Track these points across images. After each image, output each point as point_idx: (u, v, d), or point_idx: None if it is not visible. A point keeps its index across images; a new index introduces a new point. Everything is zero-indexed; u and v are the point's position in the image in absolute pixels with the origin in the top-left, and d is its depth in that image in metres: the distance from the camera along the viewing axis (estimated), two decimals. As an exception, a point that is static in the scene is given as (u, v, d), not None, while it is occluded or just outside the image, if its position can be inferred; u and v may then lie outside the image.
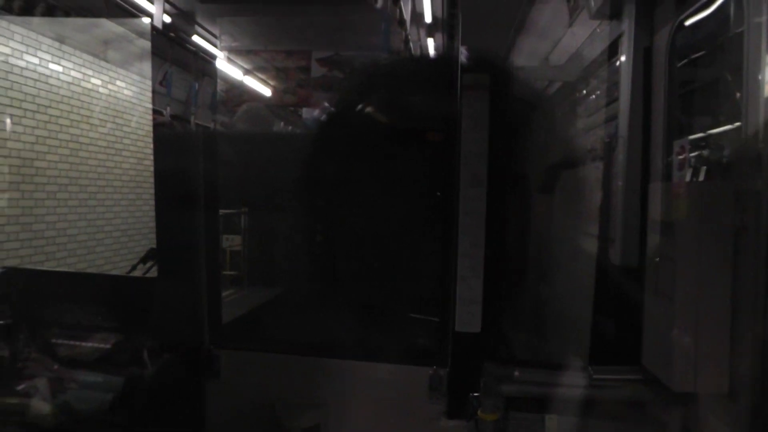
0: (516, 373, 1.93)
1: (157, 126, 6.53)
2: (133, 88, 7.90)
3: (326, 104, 3.67)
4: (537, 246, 2.33)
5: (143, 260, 2.88)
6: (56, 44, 6.61)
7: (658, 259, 1.78)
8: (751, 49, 1.67)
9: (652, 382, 1.81)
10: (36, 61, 6.35)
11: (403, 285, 2.44)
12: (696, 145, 1.88)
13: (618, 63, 2.61)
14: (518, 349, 2.25)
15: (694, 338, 1.64)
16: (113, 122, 7.62)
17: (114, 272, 7.04)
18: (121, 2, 5.05)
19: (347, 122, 2.49)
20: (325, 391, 2.33)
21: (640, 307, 1.91)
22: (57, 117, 6.74)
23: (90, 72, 7.22)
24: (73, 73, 6.96)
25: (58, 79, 6.73)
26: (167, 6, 6.27)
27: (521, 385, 1.93)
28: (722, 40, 1.98)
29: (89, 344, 2.57)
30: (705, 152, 1.77)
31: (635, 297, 1.94)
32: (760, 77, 1.57)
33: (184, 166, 2.48)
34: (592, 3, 2.78)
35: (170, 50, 6.39)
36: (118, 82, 7.69)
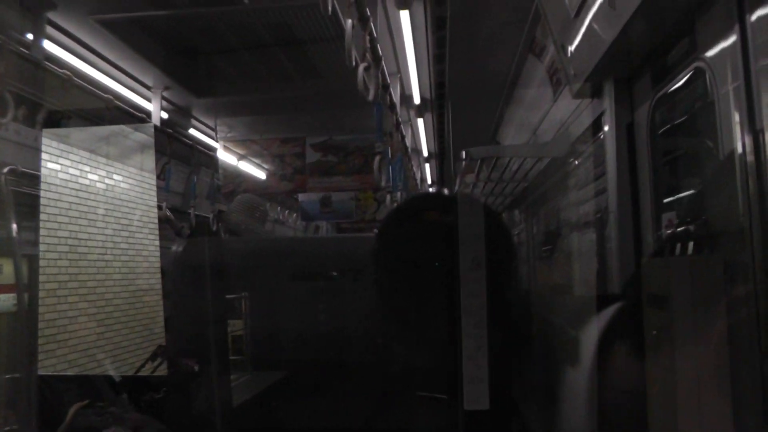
0: (527, 451, 1.95)
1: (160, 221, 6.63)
2: (131, 182, 8.02)
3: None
4: (538, 323, 2.38)
5: (152, 358, 2.90)
6: (53, 143, 6.76)
7: (655, 333, 1.83)
8: (722, 118, 1.77)
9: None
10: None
11: (411, 366, 2.47)
12: (682, 217, 1.96)
13: (602, 139, 2.72)
14: (528, 423, 2.26)
15: (697, 412, 1.67)
16: (111, 216, 7.70)
17: (119, 368, 6.98)
18: (121, 105, 5.23)
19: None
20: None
21: (643, 381, 1.95)
22: (55, 215, 6.82)
23: (87, 168, 7.34)
24: (71, 170, 7.08)
25: (56, 177, 6.84)
26: (164, 103, 6.47)
27: (533, 462, 1.94)
28: (700, 110, 2.09)
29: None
30: (691, 226, 1.85)
31: (638, 371, 1.97)
32: (736, 147, 1.65)
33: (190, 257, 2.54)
34: (573, 82, 2.92)
35: (168, 145, 6.54)
36: (115, 177, 7.81)
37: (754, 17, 1.62)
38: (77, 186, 7.19)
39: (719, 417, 1.65)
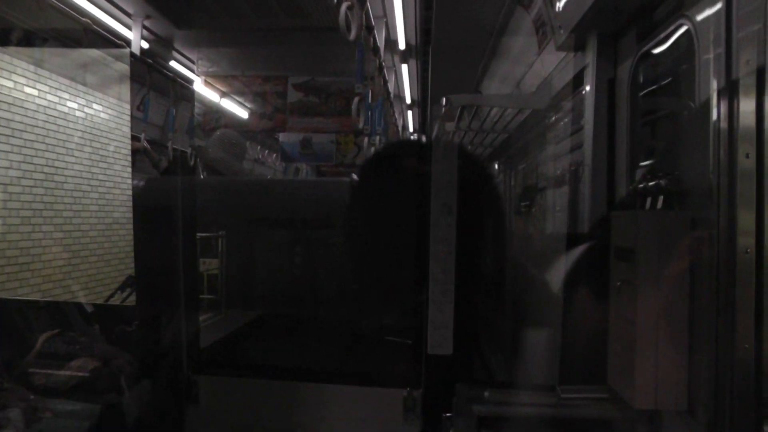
0: (486, 394, 1.99)
1: (133, 152, 6.55)
2: (110, 112, 7.89)
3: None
4: (506, 271, 2.41)
5: (122, 288, 2.90)
6: (31, 68, 6.61)
7: (619, 284, 1.87)
8: (702, 81, 1.77)
9: (618, 401, 1.88)
10: (10, 84, 6.33)
11: (378, 310, 2.50)
12: (654, 173, 1.98)
13: (583, 93, 2.71)
14: (489, 370, 2.31)
15: (654, 359, 1.72)
16: (90, 146, 7.60)
17: (91, 299, 6.99)
18: (101, 30, 5.09)
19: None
20: (302, 415, 2.37)
21: (605, 329, 1.99)
22: (32, 141, 6.72)
23: (66, 96, 7.21)
24: (48, 97, 6.95)
25: (33, 102, 6.71)
26: (145, 33, 6.31)
27: (492, 405, 1.99)
28: (680, 70, 2.09)
29: (65, 372, 2.58)
30: (662, 181, 1.86)
31: (601, 320, 2.01)
32: (711, 110, 1.66)
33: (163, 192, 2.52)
34: (558, 35, 2.89)
35: (148, 76, 6.41)
36: (94, 106, 7.68)
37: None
38: (55, 113, 7.07)
39: (675, 365, 1.70)
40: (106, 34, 5.54)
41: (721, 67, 1.63)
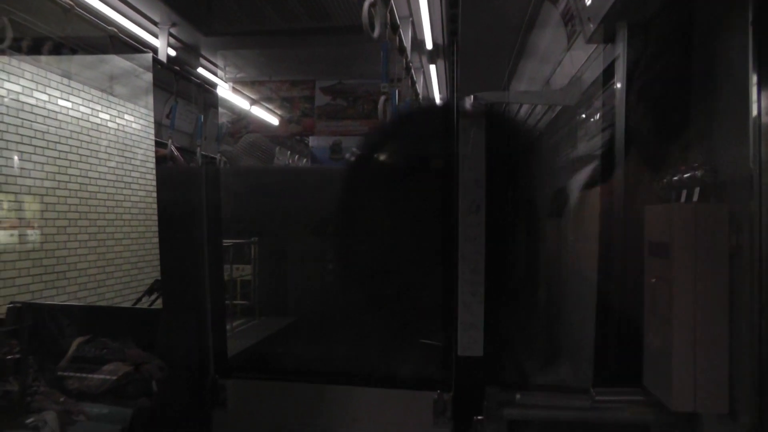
0: (518, 397, 1.94)
1: (160, 159, 6.64)
2: (141, 122, 8.01)
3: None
4: (538, 270, 2.35)
5: (148, 292, 2.91)
6: (65, 80, 6.73)
7: (654, 281, 1.80)
8: (732, 71, 1.70)
9: (654, 404, 1.82)
10: (45, 98, 6.46)
11: (408, 312, 2.46)
12: (690, 165, 1.91)
13: (614, 87, 2.64)
14: (521, 372, 2.26)
15: (692, 359, 1.65)
16: (122, 156, 7.72)
17: (124, 305, 7.08)
18: (126, 38, 5.16)
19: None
20: (331, 418, 2.34)
21: (640, 329, 1.92)
22: (66, 153, 6.84)
23: (98, 107, 7.33)
24: (81, 108, 7.07)
25: (67, 114, 6.84)
26: (171, 40, 6.38)
27: (523, 408, 1.94)
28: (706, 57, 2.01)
29: (98, 376, 2.61)
30: (698, 173, 1.79)
31: (636, 319, 1.95)
32: (750, 100, 1.60)
33: (188, 197, 2.52)
34: (587, 27, 2.83)
35: (175, 84, 6.48)
36: (126, 116, 7.80)
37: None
38: (88, 124, 7.19)
39: (714, 365, 1.63)
40: (133, 42, 5.61)
41: (756, 55, 1.57)
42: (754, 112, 1.57)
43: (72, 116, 6.92)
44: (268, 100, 5.85)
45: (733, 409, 1.62)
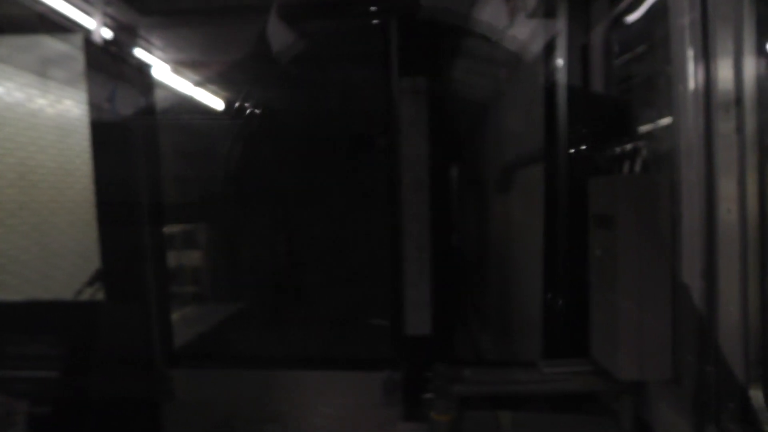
0: (467, 373, 1.93)
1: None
2: (83, 107, 7.73)
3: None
4: (483, 246, 2.35)
5: (89, 283, 2.81)
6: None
7: (599, 252, 1.81)
8: (677, 47, 1.71)
9: (602, 373, 1.83)
10: None
11: (355, 293, 2.44)
12: (633, 138, 1.91)
13: (556, 61, 2.64)
14: (471, 349, 2.26)
15: (638, 328, 1.67)
16: (63, 142, 7.45)
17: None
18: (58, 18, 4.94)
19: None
20: (282, 403, 2.31)
21: (586, 301, 1.94)
22: (2, 140, 6.57)
23: (35, 92, 7.04)
24: (16, 93, 6.79)
25: (1, 100, 6.55)
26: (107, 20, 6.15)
27: (473, 384, 1.93)
28: (655, 37, 2.02)
29: (38, 373, 2.51)
30: (640, 144, 1.80)
31: (582, 291, 1.96)
32: (687, 74, 1.61)
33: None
34: (529, 2, 2.82)
35: (113, 65, 6.26)
36: (65, 101, 7.52)
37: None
38: (24, 110, 6.91)
39: (659, 334, 1.65)
40: (65, 22, 5.40)
41: (696, 31, 1.58)
42: (691, 84, 1.58)
43: (6, 102, 6.64)
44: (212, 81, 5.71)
45: (677, 375, 1.64)
